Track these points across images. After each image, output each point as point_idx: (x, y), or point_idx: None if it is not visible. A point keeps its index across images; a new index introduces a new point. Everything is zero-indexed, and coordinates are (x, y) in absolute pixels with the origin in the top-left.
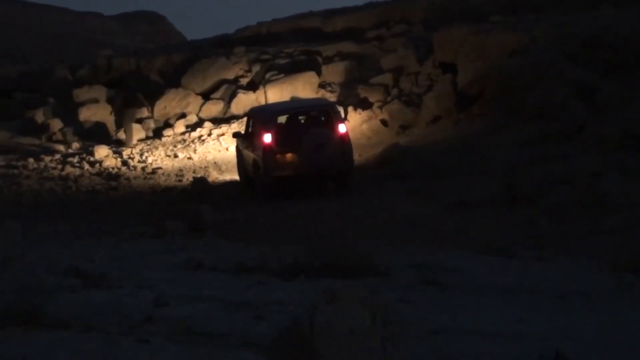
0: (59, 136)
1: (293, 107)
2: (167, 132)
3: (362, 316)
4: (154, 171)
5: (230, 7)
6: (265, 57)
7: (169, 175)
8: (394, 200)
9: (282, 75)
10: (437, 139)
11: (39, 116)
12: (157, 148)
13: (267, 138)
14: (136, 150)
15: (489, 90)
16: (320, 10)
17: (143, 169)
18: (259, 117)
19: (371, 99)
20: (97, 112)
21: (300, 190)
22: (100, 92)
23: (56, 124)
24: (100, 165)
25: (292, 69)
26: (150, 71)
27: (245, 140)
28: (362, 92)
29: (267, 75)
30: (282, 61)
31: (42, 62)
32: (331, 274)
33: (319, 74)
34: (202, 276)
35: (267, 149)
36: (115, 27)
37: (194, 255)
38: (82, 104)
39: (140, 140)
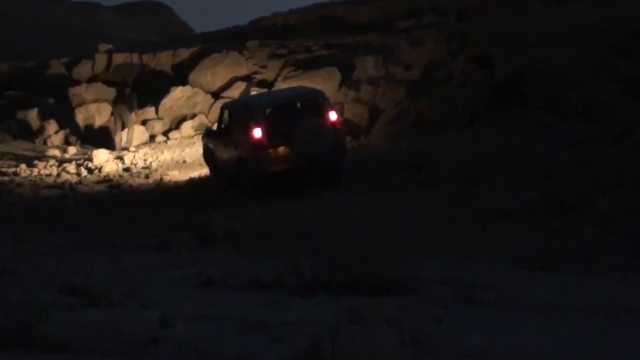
0: (55, 140)
1: (279, 97)
2: (174, 134)
3: (390, 337)
4: (159, 178)
5: None
6: (281, 51)
7: (176, 182)
8: (424, 208)
9: (301, 71)
10: (471, 141)
11: (33, 118)
12: (162, 152)
13: (257, 132)
14: (139, 155)
15: (529, 86)
16: (342, 0)
17: (147, 175)
18: (243, 111)
19: (399, 97)
20: (97, 113)
21: (291, 184)
22: (99, 90)
23: (51, 127)
24: (100, 171)
25: (311, 65)
26: (154, 67)
27: (221, 137)
28: (389, 89)
29: (284, 72)
30: (300, 56)
31: (35, 57)
32: (355, 291)
33: (340, 69)
34: (212, 293)
35: (257, 144)
36: (115, 19)
37: (203, 269)
38: (79, 104)
39: (144, 144)
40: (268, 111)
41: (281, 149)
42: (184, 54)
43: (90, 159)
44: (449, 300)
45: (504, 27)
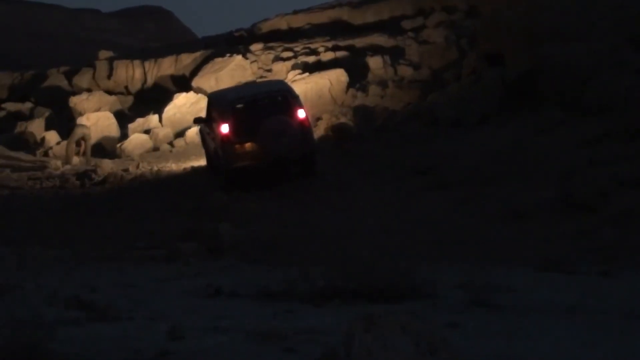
0: (56, 151)
1: (250, 93)
2: (178, 142)
3: (405, 344)
4: (165, 187)
5: None
6: (287, 54)
7: (183, 190)
8: (437, 211)
9: (307, 74)
10: (484, 141)
11: (33, 129)
12: (167, 160)
13: (225, 128)
14: (144, 164)
15: (542, 83)
16: None
17: (152, 185)
18: (217, 105)
19: (409, 98)
20: (99, 123)
21: (263, 179)
22: (101, 99)
23: (52, 137)
24: (104, 181)
25: (318, 67)
26: (157, 74)
27: (206, 126)
28: (398, 90)
29: (290, 75)
30: (306, 58)
31: (34, 66)
32: (369, 298)
33: (347, 71)
34: (222, 304)
35: (225, 139)
36: (115, 25)
37: (212, 280)
38: (81, 113)
39: (148, 153)
40: (236, 107)
41: (248, 145)
42: (187, 59)
43: (94, 170)
44: (466, 305)
45: (515, 22)
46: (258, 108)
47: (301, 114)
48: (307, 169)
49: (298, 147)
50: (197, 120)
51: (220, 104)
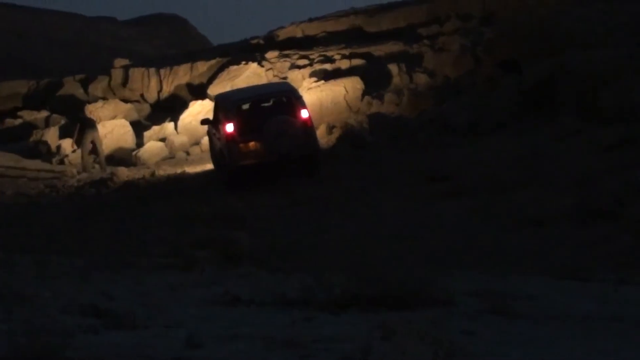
0: (72, 158)
1: (254, 94)
2: (194, 149)
3: (423, 352)
4: (180, 194)
5: (260, 6)
6: (302, 62)
7: (198, 197)
8: (454, 220)
9: (323, 82)
10: (500, 148)
11: (49, 137)
12: (183, 168)
13: (229, 128)
14: (160, 172)
15: (559, 90)
16: (363, 7)
17: (169, 192)
18: (222, 105)
19: (424, 105)
20: (114, 131)
21: (267, 178)
22: (116, 107)
23: (68, 146)
24: (121, 189)
25: (334, 75)
26: (172, 81)
27: (213, 127)
28: (414, 98)
29: (306, 83)
30: (322, 66)
31: (50, 74)
32: (386, 305)
33: (363, 78)
34: (239, 312)
35: (229, 138)
36: (131, 33)
37: (229, 288)
38: (96, 121)
39: (163, 161)
40: (241, 107)
41: (252, 144)
42: (202, 67)
43: (110, 177)
44: (484, 313)
45: (532, 29)
46: (262, 108)
47: (304, 114)
48: (310, 168)
49: (301, 147)
50: (204, 122)
51: (226, 104)
